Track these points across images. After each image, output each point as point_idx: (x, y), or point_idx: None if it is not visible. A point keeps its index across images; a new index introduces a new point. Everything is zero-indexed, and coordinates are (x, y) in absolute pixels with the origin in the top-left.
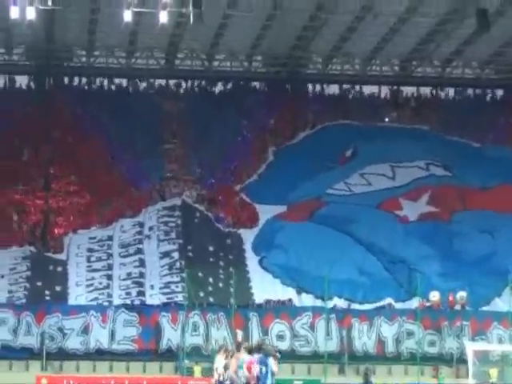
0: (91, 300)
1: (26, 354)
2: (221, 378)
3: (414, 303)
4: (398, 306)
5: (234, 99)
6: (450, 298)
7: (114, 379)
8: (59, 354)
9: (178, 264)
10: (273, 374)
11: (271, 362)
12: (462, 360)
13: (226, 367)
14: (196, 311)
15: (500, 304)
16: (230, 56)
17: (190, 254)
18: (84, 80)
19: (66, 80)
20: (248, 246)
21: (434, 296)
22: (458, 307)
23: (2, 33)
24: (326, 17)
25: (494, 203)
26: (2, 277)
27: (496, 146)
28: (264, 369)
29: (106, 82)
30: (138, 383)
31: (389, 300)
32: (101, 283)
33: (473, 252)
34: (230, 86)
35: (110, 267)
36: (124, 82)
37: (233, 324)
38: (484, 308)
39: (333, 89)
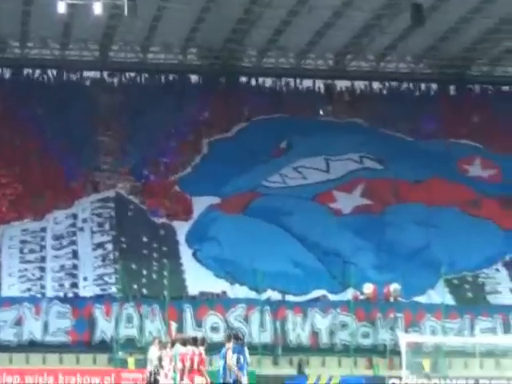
0: (24, 291)
1: None
2: (154, 370)
3: (348, 295)
4: (332, 297)
5: (168, 92)
6: (384, 290)
7: (47, 371)
8: None
9: (111, 256)
10: (247, 363)
11: (246, 351)
12: (396, 351)
13: (159, 359)
14: (130, 303)
15: (433, 296)
16: (164, 48)
17: (124, 245)
18: (17, 71)
19: (7, 72)
20: (182, 238)
21: (368, 288)
22: (391, 299)
23: None
24: (260, 10)
25: (426, 196)
26: None
27: (429, 140)
28: (242, 358)
29: (39, 73)
30: (71, 375)
31: (323, 292)
32: (34, 275)
33: (406, 244)
34: (164, 78)
35: (43, 259)
36: (58, 73)
37: (167, 316)
38: (417, 300)
39: (267, 82)
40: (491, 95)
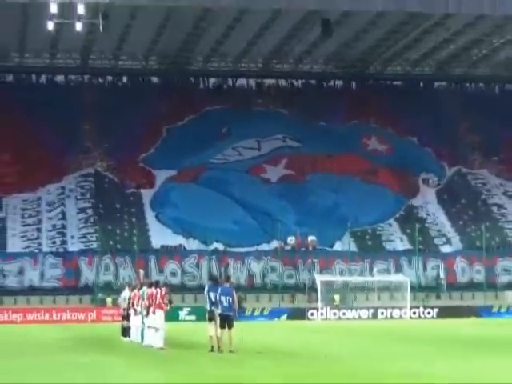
0: (25, 248)
1: None
2: (127, 307)
3: (276, 245)
4: (264, 248)
5: (135, 91)
6: (304, 241)
7: (44, 309)
8: (0, 291)
9: (92, 219)
10: (234, 302)
11: (234, 292)
12: (313, 288)
13: (129, 298)
14: (107, 255)
15: (341, 245)
16: (131, 56)
17: (101, 211)
18: (17, 76)
19: (8, 77)
20: (147, 204)
21: (291, 240)
22: (309, 248)
23: None
24: (205, 26)
25: (337, 167)
26: None
27: (337, 123)
28: (229, 299)
29: (34, 77)
30: (62, 312)
31: (257, 243)
32: (32, 235)
33: (321, 206)
34: (131, 80)
35: (39, 221)
36: (48, 77)
37: (136, 265)
38: (329, 249)
39: (212, 81)
40: (384, 88)
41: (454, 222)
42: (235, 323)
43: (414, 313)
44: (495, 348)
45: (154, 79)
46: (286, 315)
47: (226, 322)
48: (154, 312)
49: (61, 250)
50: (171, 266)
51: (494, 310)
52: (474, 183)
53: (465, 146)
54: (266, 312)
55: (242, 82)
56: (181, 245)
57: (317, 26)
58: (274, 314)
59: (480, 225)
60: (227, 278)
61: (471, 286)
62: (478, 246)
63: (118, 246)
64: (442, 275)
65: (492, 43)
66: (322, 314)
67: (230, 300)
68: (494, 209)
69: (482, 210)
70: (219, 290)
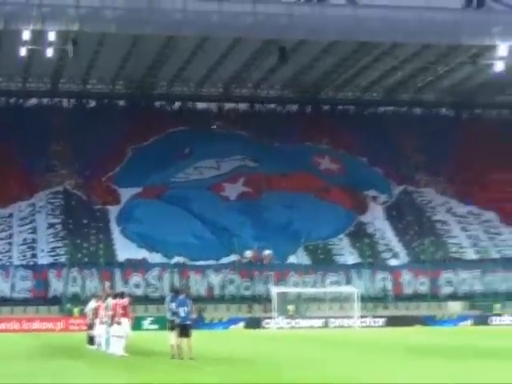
0: None
1: None
2: (93, 317)
3: (234, 259)
4: (223, 261)
5: (102, 113)
6: (261, 255)
7: (15, 319)
8: None
9: (61, 233)
10: (190, 312)
11: (190, 302)
12: (269, 299)
13: (96, 309)
14: (75, 268)
15: (295, 259)
16: (99, 81)
17: (70, 226)
18: None
19: None
20: (113, 219)
21: (248, 254)
22: (265, 261)
23: None
24: (168, 53)
25: (291, 186)
26: None
27: (292, 144)
28: (186, 309)
29: (7, 100)
30: (32, 321)
31: (216, 257)
32: (4, 248)
33: (276, 221)
34: (99, 103)
35: (10, 236)
36: (20, 100)
37: (102, 277)
38: (284, 262)
39: (175, 105)
40: (336, 112)
41: (400, 237)
42: (194, 332)
43: (363, 322)
44: (436, 353)
45: (121, 102)
46: (242, 324)
47: (184, 331)
48: (118, 322)
49: (31, 262)
50: (135, 278)
51: (437, 318)
52: (419, 201)
53: (411, 166)
54: (224, 321)
55: (203, 105)
56: (144, 258)
57: (274, 54)
58: (232, 322)
59: (425, 240)
60: (184, 290)
61: (416, 297)
62: (422, 260)
63: (86, 259)
64: (389, 287)
65: (437, 71)
66: (276, 323)
67: (187, 310)
68: (438, 225)
69: (427, 226)
70: (178, 301)
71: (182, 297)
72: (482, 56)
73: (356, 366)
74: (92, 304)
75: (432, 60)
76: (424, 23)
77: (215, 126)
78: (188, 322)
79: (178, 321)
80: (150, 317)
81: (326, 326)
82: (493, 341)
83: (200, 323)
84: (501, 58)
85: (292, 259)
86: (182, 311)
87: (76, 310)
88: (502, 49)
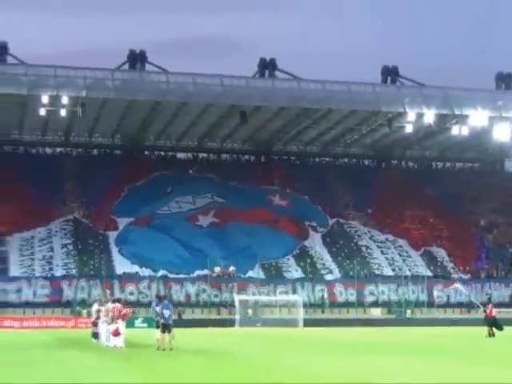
0: (22, 273)
1: None
2: (96, 318)
3: (206, 273)
4: (198, 274)
5: (104, 160)
6: (227, 270)
7: (36, 318)
8: (4, 304)
9: (72, 252)
10: (172, 314)
11: (172, 306)
12: (233, 305)
13: (98, 311)
14: (83, 279)
15: (253, 274)
16: (101, 134)
17: (79, 246)
18: (16, 148)
19: (10, 149)
20: (112, 242)
21: (217, 269)
22: (230, 275)
23: None
24: (155, 114)
25: (250, 218)
26: None
27: (251, 186)
28: (169, 312)
29: (29, 149)
30: (49, 320)
31: (192, 271)
32: (27, 263)
33: (238, 245)
34: (101, 152)
35: (32, 254)
36: (40, 149)
37: (104, 286)
38: (244, 276)
39: (161, 154)
40: (285, 161)
41: (334, 258)
42: (174, 329)
43: (306, 323)
44: (357, 348)
45: (118, 152)
46: (212, 324)
47: (167, 328)
48: (116, 323)
49: (49, 274)
50: (130, 287)
51: (362, 320)
52: (348, 230)
53: (341, 204)
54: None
55: (181, 154)
56: (137, 272)
57: (236, 116)
58: (204, 323)
59: (353, 260)
60: (166, 297)
61: (346, 304)
62: (351, 276)
63: (91, 272)
64: (325, 296)
65: (361, 130)
66: (239, 323)
67: (169, 312)
68: (363, 249)
69: (354, 249)
70: (162, 305)
71: (165, 302)
72: (395, 120)
73: (295, 355)
74: (95, 307)
75: (358, 122)
76: (352, 93)
77: (191, 171)
78: (170, 322)
79: (162, 321)
80: (141, 317)
81: (276, 325)
82: (404, 338)
83: (178, 322)
84: (409, 122)
85: (251, 274)
86: (166, 313)
87: (83, 312)
88: (411, 115)
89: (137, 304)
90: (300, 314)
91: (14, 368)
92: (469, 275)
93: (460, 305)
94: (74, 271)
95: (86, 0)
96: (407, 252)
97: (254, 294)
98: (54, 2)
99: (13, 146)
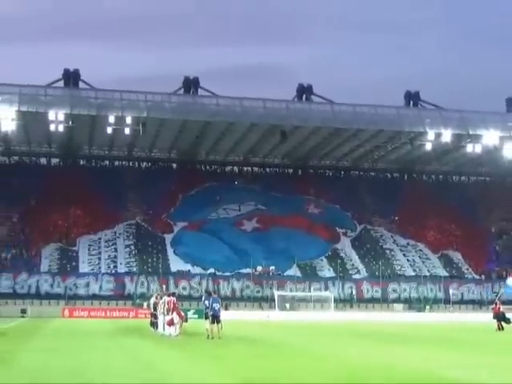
0: (90, 270)
1: (56, 297)
2: (153, 309)
3: (249, 271)
4: (242, 272)
5: (162, 172)
6: (267, 270)
7: (102, 309)
8: (74, 297)
9: (134, 252)
10: (220, 309)
11: (219, 300)
12: (273, 299)
13: (155, 304)
14: (142, 275)
15: (291, 272)
16: (159, 150)
17: (140, 247)
18: (86, 162)
19: (82, 162)
20: (168, 243)
21: (259, 268)
22: (270, 274)
23: None
24: (207, 131)
25: (289, 223)
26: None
27: (290, 195)
28: (218, 305)
29: (97, 163)
30: (113, 311)
31: (237, 270)
32: (95, 261)
33: (278, 247)
34: (160, 165)
35: (99, 253)
36: (107, 163)
37: (160, 282)
38: (283, 274)
39: (211, 168)
40: (319, 174)
41: (361, 259)
42: (223, 321)
43: (335, 316)
44: (386, 337)
45: (174, 165)
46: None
47: (216, 319)
48: (171, 314)
49: (113, 271)
50: (183, 283)
51: (388, 315)
52: (374, 235)
53: (369, 212)
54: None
55: (229, 168)
56: (189, 270)
57: (277, 135)
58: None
59: (378, 261)
60: (215, 292)
61: (372, 300)
62: (376, 275)
63: (150, 269)
64: (353, 293)
65: (387, 148)
66: (278, 315)
67: (218, 306)
68: (387, 251)
69: (380, 252)
70: (211, 299)
71: (214, 296)
72: (417, 139)
73: (332, 346)
74: (153, 300)
75: (384, 140)
76: (378, 115)
77: (237, 182)
78: (218, 314)
79: (211, 313)
80: (193, 309)
81: (311, 318)
82: (424, 331)
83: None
84: (429, 141)
85: (288, 272)
86: (215, 306)
87: (144, 304)
88: (430, 134)
89: (189, 298)
90: (331, 308)
91: (81, 353)
92: (481, 276)
93: (472, 302)
94: (135, 269)
95: (148, 35)
96: (426, 255)
97: (291, 290)
98: (120, 36)
99: (83, 160)
